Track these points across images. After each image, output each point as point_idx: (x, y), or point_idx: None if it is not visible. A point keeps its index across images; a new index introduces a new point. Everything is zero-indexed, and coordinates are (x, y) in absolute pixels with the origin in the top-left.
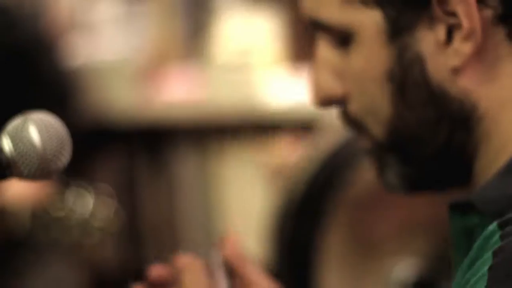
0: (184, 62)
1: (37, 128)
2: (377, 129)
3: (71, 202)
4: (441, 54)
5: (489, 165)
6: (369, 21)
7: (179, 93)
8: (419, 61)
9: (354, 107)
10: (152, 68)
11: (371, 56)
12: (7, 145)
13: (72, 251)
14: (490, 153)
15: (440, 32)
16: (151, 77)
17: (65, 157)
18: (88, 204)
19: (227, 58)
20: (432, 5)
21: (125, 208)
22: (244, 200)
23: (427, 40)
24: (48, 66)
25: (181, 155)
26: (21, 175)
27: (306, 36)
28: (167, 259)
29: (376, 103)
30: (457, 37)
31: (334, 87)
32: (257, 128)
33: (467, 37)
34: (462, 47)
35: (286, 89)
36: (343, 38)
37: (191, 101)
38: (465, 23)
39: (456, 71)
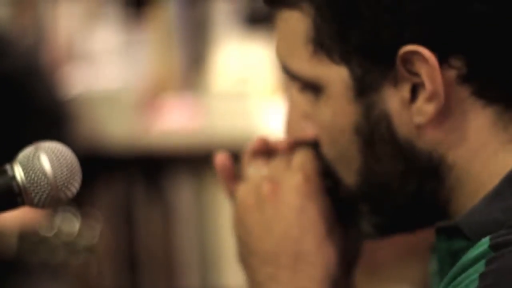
0: (181, 90)
1: (48, 157)
2: (349, 177)
3: (57, 223)
4: (406, 111)
5: (464, 207)
6: (336, 77)
7: (177, 121)
8: (385, 118)
9: (325, 152)
10: (150, 97)
11: (339, 109)
12: (19, 173)
13: (60, 270)
14: (464, 198)
15: (405, 91)
16: (149, 106)
17: (76, 186)
18: (74, 226)
19: (224, 87)
20: (397, 65)
21: (122, 234)
22: None
23: (393, 98)
24: (43, 94)
25: (178, 183)
26: (32, 203)
27: None
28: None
29: (346, 153)
30: (421, 96)
31: (304, 131)
32: None
33: (430, 98)
34: (426, 106)
35: (282, 118)
36: (313, 88)
37: (188, 129)
38: (427, 85)
39: (421, 127)
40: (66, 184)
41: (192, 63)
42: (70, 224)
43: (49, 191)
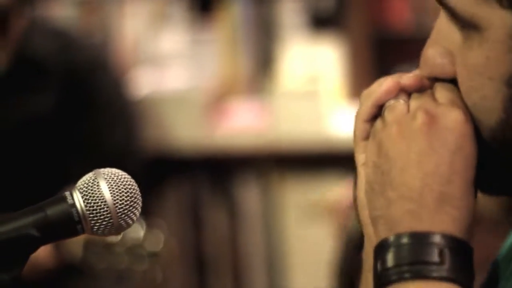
0: (248, 91)
1: (108, 184)
2: (484, 128)
3: None
4: None
5: None
6: (500, 22)
7: (243, 122)
8: None
9: (464, 96)
10: (217, 98)
11: (494, 56)
12: (78, 201)
13: (124, 276)
14: None
15: None
16: (216, 107)
17: (136, 214)
18: (139, 233)
19: (292, 88)
20: None
21: (188, 236)
22: (305, 230)
23: None
24: (109, 91)
25: (244, 185)
26: (91, 231)
27: (365, 69)
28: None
29: (489, 102)
30: None
31: (443, 65)
32: (320, 156)
33: None
34: None
35: (349, 118)
36: (468, 26)
37: (255, 131)
38: None
39: None
40: (126, 212)
41: (259, 63)
42: (135, 231)
43: (109, 219)
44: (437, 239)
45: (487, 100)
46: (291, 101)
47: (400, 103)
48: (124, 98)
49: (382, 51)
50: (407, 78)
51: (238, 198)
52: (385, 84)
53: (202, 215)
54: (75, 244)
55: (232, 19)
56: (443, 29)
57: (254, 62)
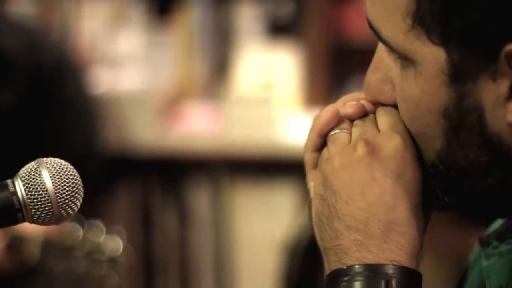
0: (203, 95)
1: (50, 173)
2: (425, 155)
3: (82, 234)
4: (501, 107)
5: None
6: (432, 57)
7: (197, 125)
8: (477, 109)
9: (407, 124)
10: (172, 100)
11: (428, 89)
12: (20, 189)
13: (82, 281)
14: None
15: (503, 87)
16: (171, 109)
17: (77, 203)
18: (99, 238)
19: (246, 93)
20: (500, 60)
21: (138, 237)
22: (254, 234)
23: (489, 92)
24: (72, 88)
25: (196, 187)
26: (32, 220)
27: (320, 77)
28: None
29: (428, 132)
30: None
31: (384, 92)
32: (271, 162)
33: None
34: None
35: (304, 125)
36: (403, 58)
37: (208, 134)
38: None
39: None
40: (67, 202)
41: (215, 68)
42: (95, 235)
43: (50, 208)
44: (384, 270)
45: (429, 129)
46: (244, 106)
47: (342, 133)
48: (88, 97)
49: (338, 60)
50: (348, 106)
51: (189, 201)
52: (324, 114)
53: (152, 217)
54: (33, 246)
55: (190, 23)
56: (383, 56)
57: (210, 67)
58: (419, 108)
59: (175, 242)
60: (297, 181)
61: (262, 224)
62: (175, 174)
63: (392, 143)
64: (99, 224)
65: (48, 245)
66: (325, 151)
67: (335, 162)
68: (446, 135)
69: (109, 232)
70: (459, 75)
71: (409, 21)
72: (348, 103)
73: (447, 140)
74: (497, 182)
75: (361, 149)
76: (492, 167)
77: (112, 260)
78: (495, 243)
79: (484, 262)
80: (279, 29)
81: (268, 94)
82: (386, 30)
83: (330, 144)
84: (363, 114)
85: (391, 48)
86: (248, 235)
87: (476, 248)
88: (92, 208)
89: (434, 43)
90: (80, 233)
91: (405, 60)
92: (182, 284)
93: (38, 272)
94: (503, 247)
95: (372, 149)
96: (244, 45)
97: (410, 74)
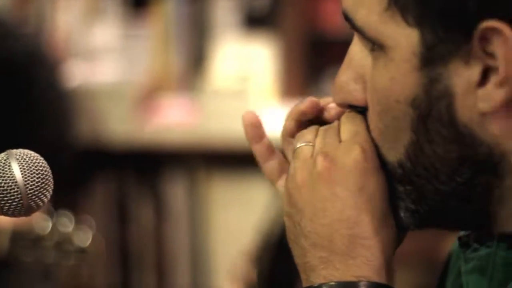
0: (179, 87)
1: (19, 165)
2: (393, 153)
3: (51, 225)
4: (472, 94)
5: None
6: (405, 40)
7: (173, 118)
8: (447, 96)
9: (372, 121)
10: (148, 93)
11: (399, 76)
12: None
13: (51, 270)
14: None
15: (475, 71)
16: (146, 102)
17: (47, 196)
18: (68, 228)
19: (223, 85)
20: (473, 40)
21: (113, 230)
22: (231, 227)
23: (460, 76)
24: (45, 81)
25: (171, 180)
26: (1, 211)
27: (297, 69)
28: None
29: (397, 125)
30: (492, 81)
31: (355, 92)
32: (248, 155)
33: (501, 84)
34: (495, 92)
35: (280, 118)
36: (376, 47)
37: (184, 127)
38: (501, 68)
39: (485, 115)
40: (37, 193)
41: (191, 60)
42: (64, 225)
43: (19, 200)
44: (351, 287)
45: (395, 123)
46: (221, 99)
47: (306, 146)
48: (60, 90)
49: (314, 52)
50: (331, 108)
51: (165, 194)
52: (304, 103)
53: (128, 210)
54: (2, 236)
55: (166, 15)
56: (356, 54)
57: (186, 59)
58: (388, 99)
59: (151, 236)
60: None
61: (238, 217)
62: (151, 167)
63: (352, 155)
64: (68, 214)
65: (16, 235)
66: (291, 165)
67: (297, 178)
68: (414, 127)
69: (78, 222)
70: (432, 58)
71: (384, 1)
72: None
73: (415, 133)
74: (466, 181)
75: (320, 164)
76: (463, 163)
77: (81, 250)
78: (475, 245)
79: (463, 267)
80: (255, 21)
81: (244, 87)
82: (360, 16)
83: (294, 158)
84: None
85: (364, 35)
86: (224, 228)
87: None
88: (67, 201)
89: (409, 24)
90: (49, 223)
91: (378, 47)
92: (159, 278)
93: (6, 263)
94: (483, 251)
95: (331, 163)
96: (220, 38)
97: (381, 63)
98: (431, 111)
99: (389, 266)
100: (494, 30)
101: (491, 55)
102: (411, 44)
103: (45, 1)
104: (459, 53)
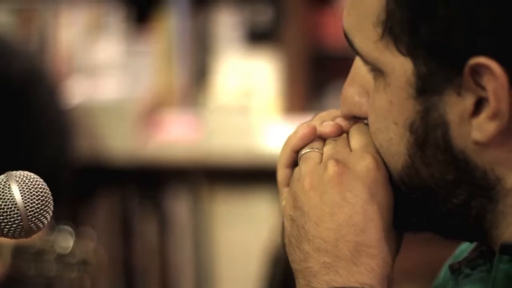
0: (182, 103)
1: (19, 187)
2: (392, 170)
3: (53, 238)
4: (466, 124)
5: None
6: (400, 69)
7: (176, 134)
8: (442, 124)
9: (374, 137)
10: (150, 109)
11: (396, 101)
12: None
13: (54, 283)
14: None
15: (468, 102)
16: (149, 118)
17: (47, 216)
18: (69, 241)
19: (225, 101)
20: (465, 74)
21: (117, 246)
22: (234, 243)
23: (454, 106)
24: (45, 101)
25: (175, 197)
26: (2, 233)
27: (299, 85)
28: None
29: (394, 146)
30: (484, 112)
31: (360, 105)
32: (251, 171)
33: (493, 116)
34: (487, 124)
35: (283, 133)
36: (374, 69)
37: (187, 143)
38: (492, 102)
39: (479, 144)
40: (37, 215)
41: (193, 76)
42: (65, 239)
43: (19, 222)
44: None
45: (393, 144)
46: (224, 115)
47: (314, 152)
48: (59, 108)
49: (317, 67)
50: (326, 126)
51: (169, 209)
52: (301, 130)
53: (132, 225)
54: (4, 250)
55: (168, 31)
56: (360, 68)
57: (188, 75)
58: (386, 120)
59: (155, 251)
60: (277, 189)
61: (242, 233)
62: (154, 183)
63: (363, 163)
64: (70, 228)
65: (19, 249)
66: (296, 170)
67: (306, 182)
68: (409, 151)
69: (79, 235)
70: (426, 88)
71: (379, 30)
72: (325, 122)
73: (410, 158)
74: (462, 203)
75: (331, 169)
76: (458, 187)
77: (83, 262)
78: (467, 270)
79: None
80: (258, 36)
81: (247, 102)
82: (358, 40)
83: (301, 163)
84: (340, 133)
85: (363, 59)
86: (228, 243)
87: (442, 271)
88: (70, 217)
89: (402, 53)
90: (51, 236)
91: (376, 71)
92: None
93: (10, 277)
94: (476, 275)
95: (343, 169)
96: (222, 53)
97: (380, 85)
98: (428, 137)
99: (390, 277)
100: (484, 66)
101: (482, 88)
102: (405, 74)
103: (47, 18)
104: (452, 85)
